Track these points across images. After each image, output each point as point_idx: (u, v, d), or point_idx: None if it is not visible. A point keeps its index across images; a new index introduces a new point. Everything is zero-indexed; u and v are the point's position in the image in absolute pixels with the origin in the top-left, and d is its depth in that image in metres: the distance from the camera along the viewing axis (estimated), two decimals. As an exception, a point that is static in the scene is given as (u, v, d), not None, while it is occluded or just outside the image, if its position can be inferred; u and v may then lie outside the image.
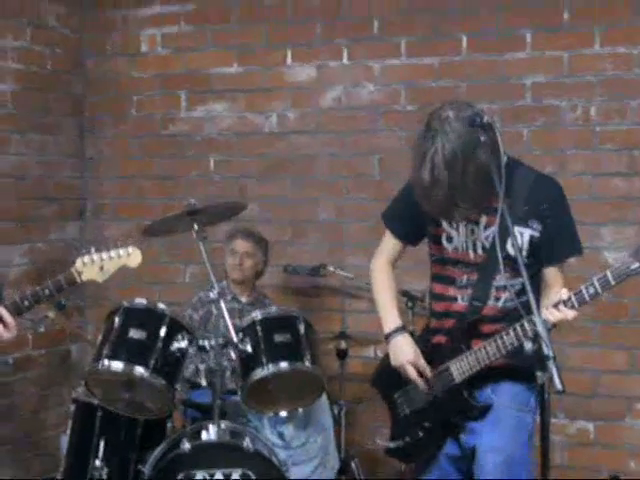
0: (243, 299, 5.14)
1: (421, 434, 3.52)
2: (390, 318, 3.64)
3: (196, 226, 4.36)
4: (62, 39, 5.92)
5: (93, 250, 3.12)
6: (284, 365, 4.21)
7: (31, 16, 5.68)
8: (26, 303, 3.03)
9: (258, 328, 4.30)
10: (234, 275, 5.10)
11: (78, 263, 3.08)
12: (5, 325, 3.00)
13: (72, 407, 4.71)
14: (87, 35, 6.06)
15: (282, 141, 5.63)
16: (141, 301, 4.36)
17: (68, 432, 4.69)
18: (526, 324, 3.20)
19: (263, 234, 5.26)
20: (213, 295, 4.29)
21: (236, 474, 4.06)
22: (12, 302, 3.02)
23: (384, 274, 3.72)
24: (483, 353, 3.39)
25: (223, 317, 4.23)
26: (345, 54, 5.45)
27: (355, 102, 5.46)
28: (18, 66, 5.59)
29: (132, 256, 3.18)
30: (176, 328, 4.23)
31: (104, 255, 3.11)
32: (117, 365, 4.15)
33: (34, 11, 5.71)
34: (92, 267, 3.10)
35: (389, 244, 3.73)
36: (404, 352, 3.55)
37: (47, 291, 3.04)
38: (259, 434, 4.42)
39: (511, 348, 3.29)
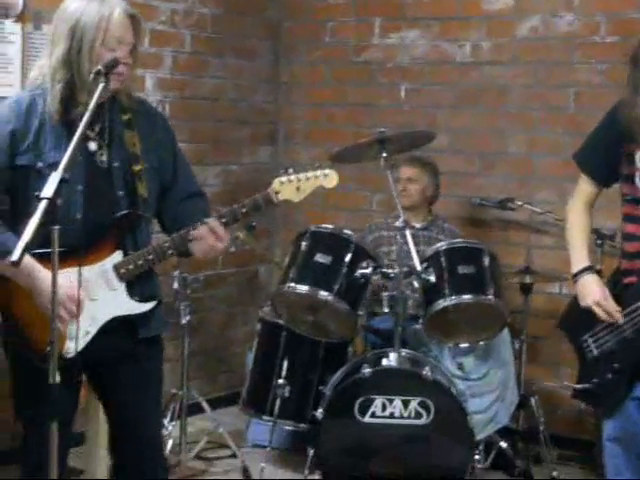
0: (417, 224, 5.11)
1: (610, 376, 3.45)
2: (579, 258, 3.56)
3: (384, 154, 4.37)
4: (261, -36, 5.99)
5: (291, 170, 3.17)
6: (467, 297, 4.21)
7: (232, -59, 5.76)
8: (224, 220, 3.12)
9: (442, 258, 4.30)
10: (402, 201, 5.07)
11: (275, 183, 3.13)
12: (217, 237, 3.10)
13: (258, 326, 4.87)
14: (285, -40, 6.11)
15: (475, 71, 5.55)
16: (328, 226, 4.44)
17: (253, 350, 4.85)
18: None
19: (445, 164, 5.21)
20: (399, 223, 4.30)
21: (414, 402, 4.11)
22: (217, 216, 3.12)
23: (578, 215, 3.62)
24: None
25: (408, 246, 4.25)
26: (544, -18, 5.30)
27: (552, 32, 5.30)
28: (219, -10, 5.70)
29: (329, 177, 3.20)
30: (361, 254, 4.29)
31: (301, 175, 3.15)
32: (302, 288, 4.25)
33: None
34: (289, 187, 3.14)
35: (583, 186, 3.62)
36: (592, 292, 3.48)
37: (244, 209, 3.12)
38: (439, 364, 4.45)
39: None
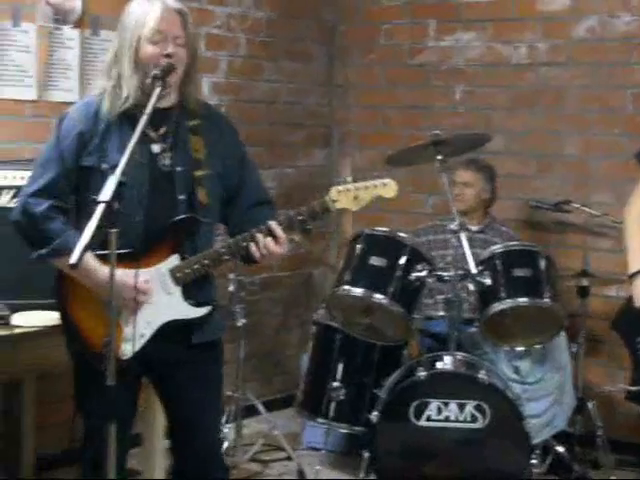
0: (472, 227, 5.09)
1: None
2: (636, 259, 3.53)
3: (439, 157, 4.36)
4: (316, -33, 6.01)
5: (349, 179, 3.15)
6: (523, 300, 4.19)
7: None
8: (280, 227, 3.12)
9: (498, 261, 4.28)
10: (457, 205, 5.04)
11: (333, 191, 3.11)
12: (277, 240, 3.11)
13: (313, 328, 4.87)
14: (340, -37, 6.12)
15: (531, 72, 5.51)
16: (383, 229, 4.43)
17: (308, 352, 4.86)
18: None
19: (501, 167, 5.18)
20: (454, 226, 4.29)
21: (470, 405, 4.09)
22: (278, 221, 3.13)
23: (636, 217, 3.59)
24: None
25: (463, 248, 4.23)
26: (601, -17, 5.25)
27: (609, 33, 5.25)
28: (274, -6, 5.73)
29: (387, 187, 3.17)
30: (416, 257, 4.28)
31: (359, 185, 3.13)
32: (357, 291, 4.25)
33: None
34: (347, 196, 3.12)
35: None
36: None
37: (301, 217, 3.12)
38: (495, 367, 4.42)
39: None
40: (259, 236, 3.10)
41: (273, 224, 3.11)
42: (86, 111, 3.11)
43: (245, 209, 3.28)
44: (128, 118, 3.07)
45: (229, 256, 3.13)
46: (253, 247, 3.10)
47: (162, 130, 3.12)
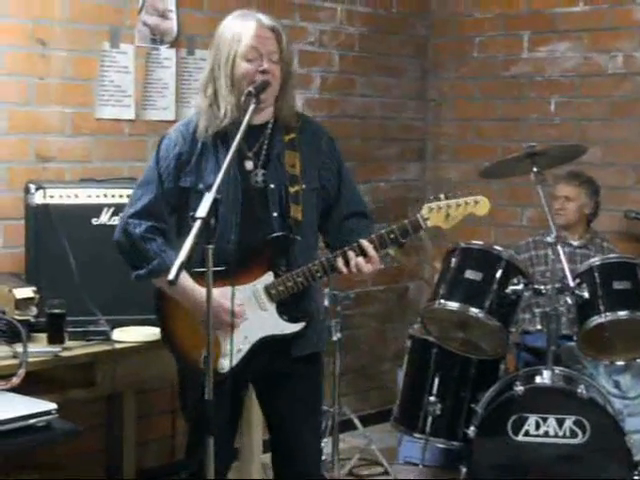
0: (574, 242, 5.02)
1: None
2: None
3: (535, 169, 4.32)
4: (409, -18, 6.01)
5: (442, 197, 3.13)
6: (623, 313, 4.12)
7: (379, -40, 5.81)
8: (372, 245, 3.12)
9: (596, 274, 4.22)
10: (558, 220, 4.98)
11: (425, 209, 3.10)
12: (368, 259, 3.11)
13: (408, 343, 4.86)
14: (432, -23, 6.12)
15: (627, 82, 5.42)
16: (478, 242, 4.41)
17: (404, 367, 4.84)
18: None
19: (598, 178, 5.11)
20: (550, 239, 4.24)
21: (569, 420, 4.03)
22: (367, 240, 3.13)
23: None
24: None
25: (560, 262, 4.18)
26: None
27: None
28: (366, 9, 5.74)
29: (480, 205, 3.15)
30: (512, 271, 4.24)
31: (451, 202, 3.10)
32: (453, 305, 4.23)
33: (382, -44, 5.83)
34: (439, 214, 3.11)
35: None
36: None
37: (393, 235, 3.11)
38: (594, 381, 4.35)
39: None
40: (350, 254, 3.10)
41: (365, 243, 3.10)
42: (185, 132, 3.15)
43: (342, 220, 3.30)
44: (223, 136, 3.11)
45: (322, 273, 3.14)
46: (341, 263, 3.11)
47: (256, 147, 3.15)
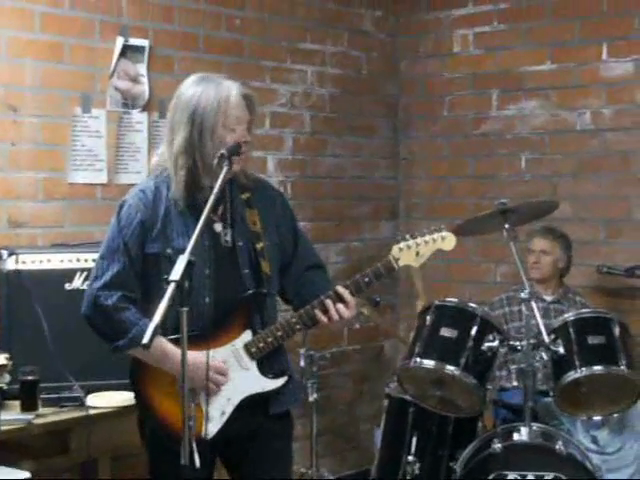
0: (547, 297, 5.06)
1: None
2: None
3: (507, 225, 4.35)
4: (377, 43, 6.08)
5: (408, 236, 3.20)
6: (598, 368, 4.11)
7: (349, 23, 5.88)
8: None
9: (570, 329, 4.22)
10: (532, 274, 5.02)
11: (395, 250, 3.16)
12: (345, 304, 3.13)
13: (385, 402, 4.83)
14: (401, 38, 6.19)
15: (596, 138, 5.49)
16: (452, 300, 4.41)
17: (382, 426, 4.81)
18: None
19: (570, 233, 5.15)
20: (524, 295, 4.25)
21: (548, 477, 4.01)
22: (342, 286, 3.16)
23: None
24: None
25: (534, 317, 4.19)
26: (664, 47, 5.24)
27: (674, 96, 5.23)
28: (336, 71, 5.81)
29: (447, 240, 3.22)
30: (487, 327, 4.24)
31: (419, 240, 3.18)
32: (428, 363, 4.22)
33: (351, 18, 5.91)
34: (408, 252, 3.17)
35: None
36: None
37: (367, 279, 3.15)
38: (572, 437, 4.34)
39: None
40: (328, 302, 3.12)
41: (340, 289, 3.13)
42: (145, 198, 3.12)
43: (300, 274, 3.33)
44: (185, 201, 3.11)
45: (301, 325, 3.15)
46: (319, 313, 3.12)
47: (220, 208, 3.16)
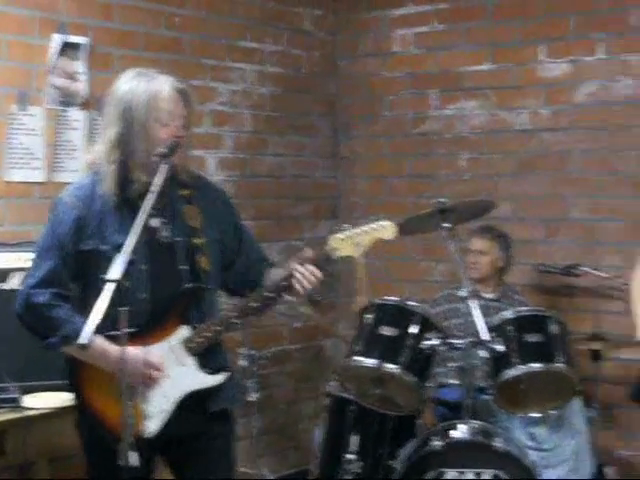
0: (487, 295, 5.09)
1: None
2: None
3: (446, 224, 4.37)
4: (317, 42, 6.09)
5: (347, 226, 3.18)
6: (536, 365, 4.15)
7: (288, 21, 5.88)
8: (284, 284, 3.14)
9: (509, 327, 4.25)
10: (471, 274, 5.05)
11: (333, 241, 3.15)
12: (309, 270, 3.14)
13: (326, 401, 4.83)
14: (341, 37, 6.21)
15: (534, 138, 5.55)
16: (393, 298, 4.43)
17: (322, 425, 4.81)
18: None
19: (508, 232, 5.20)
20: (463, 293, 4.28)
21: (487, 474, 4.04)
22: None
23: None
24: None
25: (473, 315, 4.22)
26: (601, 48, 5.29)
27: (611, 97, 5.29)
28: (276, 69, 5.80)
29: (386, 229, 3.20)
30: (427, 326, 4.26)
31: (358, 230, 3.16)
32: (369, 362, 4.22)
33: (291, 16, 5.90)
34: (347, 243, 3.15)
35: None
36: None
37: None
38: (510, 434, 4.38)
39: None
40: (298, 268, 3.13)
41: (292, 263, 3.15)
42: (81, 195, 3.12)
43: (247, 269, 3.34)
44: (117, 196, 3.09)
45: (239, 319, 3.14)
46: (296, 282, 3.13)
47: (159, 204, 3.14)
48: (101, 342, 2.97)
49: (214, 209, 3.27)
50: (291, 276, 3.14)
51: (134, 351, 2.94)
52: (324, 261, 3.17)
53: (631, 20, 5.19)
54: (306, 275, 3.13)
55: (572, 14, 5.37)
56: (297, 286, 3.14)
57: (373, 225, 3.19)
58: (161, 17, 5.12)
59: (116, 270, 2.65)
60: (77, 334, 2.80)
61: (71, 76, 4.60)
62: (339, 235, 3.17)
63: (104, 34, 4.80)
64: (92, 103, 4.70)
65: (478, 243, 5.09)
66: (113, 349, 2.97)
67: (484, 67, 5.69)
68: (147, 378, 3.01)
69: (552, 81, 5.47)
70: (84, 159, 4.42)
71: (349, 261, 3.27)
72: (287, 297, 3.19)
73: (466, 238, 5.09)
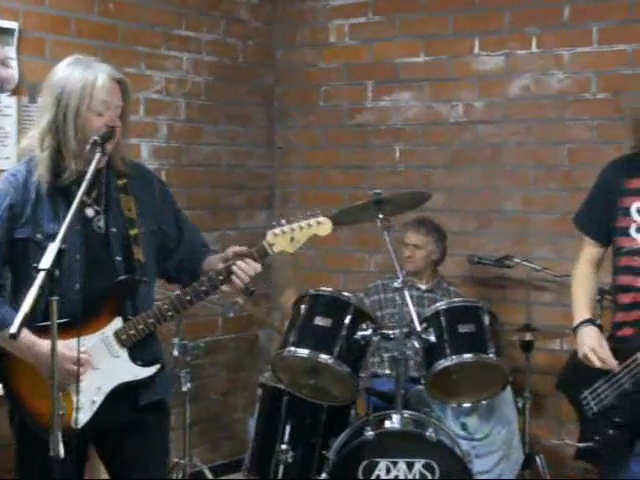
0: (421, 286, 5.13)
1: (611, 432, 3.44)
2: (580, 313, 3.57)
3: (381, 215, 4.38)
4: (253, 31, 6.06)
5: (284, 222, 3.19)
6: (468, 356, 4.19)
7: (225, 10, 5.85)
8: (220, 278, 3.13)
9: (442, 318, 4.29)
10: (407, 267, 5.08)
11: (269, 235, 3.15)
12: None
13: (259, 391, 4.83)
14: (277, 27, 6.19)
15: (468, 131, 5.59)
16: (327, 289, 4.43)
17: (255, 415, 4.81)
18: None
19: (442, 224, 5.24)
20: (397, 284, 4.30)
21: (419, 464, 4.07)
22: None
23: (583, 277, 3.65)
24: None
25: (407, 306, 4.24)
26: (534, 42, 5.35)
27: (544, 91, 5.35)
28: (212, 58, 5.77)
29: (322, 225, 3.21)
30: (361, 316, 4.27)
31: (294, 226, 3.17)
32: (302, 352, 4.23)
33: (227, 5, 5.87)
34: (283, 238, 3.16)
35: (586, 248, 3.65)
36: (587, 340, 3.48)
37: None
38: (442, 424, 4.42)
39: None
40: (239, 263, 3.13)
41: (236, 249, 3.18)
42: (15, 182, 3.07)
43: (188, 256, 3.33)
44: (57, 185, 3.05)
45: (173, 312, 3.12)
46: (235, 277, 3.13)
47: (94, 193, 3.11)
48: (28, 335, 2.92)
49: (151, 199, 3.25)
50: (228, 270, 3.13)
51: (63, 345, 2.88)
52: (259, 256, 3.17)
53: (565, 15, 5.25)
54: (246, 269, 3.13)
55: (507, 8, 5.42)
56: (237, 280, 3.14)
57: (309, 221, 3.20)
58: (94, 3, 5.07)
59: (48, 259, 2.61)
60: (6, 324, 2.77)
61: (2, 62, 4.53)
62: (276, 230, 3.18)
63: (35, 19, 4.73)
64: (23, 89, 4.63)
65: (413, 238, 5.12)
66: (40, 343, 2.94)
67: (419, 59, 5.72)
68: (68, 372, 2.97)
69: (486, 74, 5.51)
70: (17, 146, 4.38)
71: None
72: (224, 289, 3.18)
73: (401, 229, 5.12)
